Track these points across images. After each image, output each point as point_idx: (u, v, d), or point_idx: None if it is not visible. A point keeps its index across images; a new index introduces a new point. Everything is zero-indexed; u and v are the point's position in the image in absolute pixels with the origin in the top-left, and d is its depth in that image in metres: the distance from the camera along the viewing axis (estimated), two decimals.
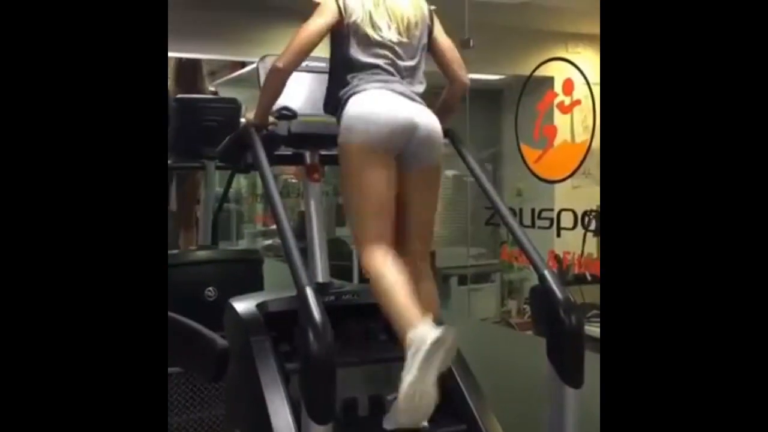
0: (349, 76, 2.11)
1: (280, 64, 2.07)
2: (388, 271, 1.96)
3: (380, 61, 2.11)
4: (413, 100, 2.12)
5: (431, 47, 2.23)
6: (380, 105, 2.05)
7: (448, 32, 2.28)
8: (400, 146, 2.06)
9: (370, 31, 2.09)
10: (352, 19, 2.09)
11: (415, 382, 1.76)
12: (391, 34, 2.11)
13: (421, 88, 2.18)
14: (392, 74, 2.12)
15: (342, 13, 2.09)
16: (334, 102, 2.13)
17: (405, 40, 2.14)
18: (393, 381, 2.25)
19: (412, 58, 2.17)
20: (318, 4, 2.12)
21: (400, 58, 2.14)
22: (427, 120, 2.11)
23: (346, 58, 2.11)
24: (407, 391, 1.77)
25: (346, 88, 2.10)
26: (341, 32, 2.11)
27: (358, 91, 2.07)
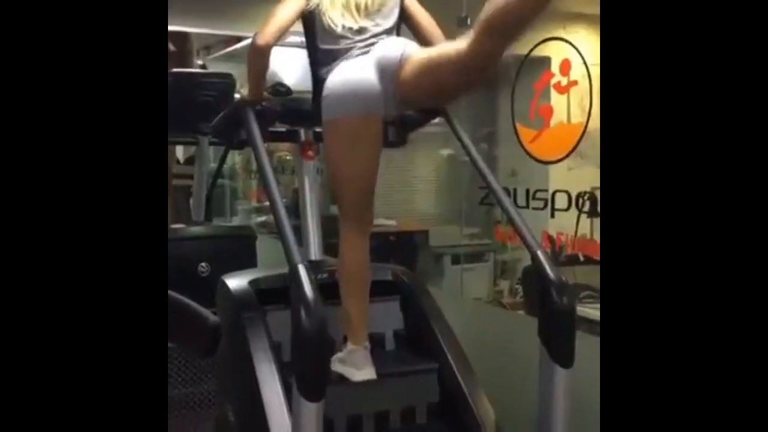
0: (320, 63, 2.10)
1: (261, 42, 2.05)
2: (351, 274, 2.12)
3: (345, 46, 2.08)
4: (373, 41, 2.08)
5: (406, 20, 2.19)
6: (349, 71, 2.03)
7: (445, 9, 2.25)
8: (375, 96, 2.02)
9: (326, 21, 2.09)
10: (310, 6, 2.08)
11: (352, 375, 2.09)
12: (347, 21, 2.09)
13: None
14: (360, 51, 2.08)
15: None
16: (314, 85, 2.14)
17: (366, 24, 2.10)
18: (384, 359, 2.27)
19: (380, 27, 2.12)
20: None
21: (364, 32, 2.10)
22: (385, 50, 2.05)
23: (314, 48, 2.12)
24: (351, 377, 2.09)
25: (320, 72, 2.10)
26: (307, 19, 2.11)
27: (330, 71, 2.06)
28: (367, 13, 2.11)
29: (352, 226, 2.13)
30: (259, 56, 2.08)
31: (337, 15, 2.08)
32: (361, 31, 2.10)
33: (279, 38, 2.07)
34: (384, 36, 2.12)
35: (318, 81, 2.11)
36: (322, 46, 2.10)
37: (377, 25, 2.12)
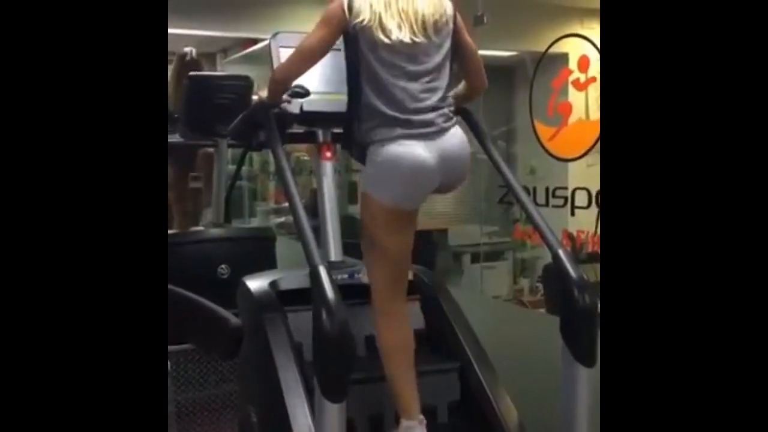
0: (363, 103, 1.98)
1: (277, 76, 2.04)
2: (394, 350, 2.04)
3: (393, 77, 1.95)
4: (435, 128, 1.98)
5: (456, 51, 2.08)
6: (403, 162, 1.94)
7: (462, 8, 2.24)
8: (428, 191, 2.03)
9: (379, 35, 1.94)
10: (359, 20, 1.93)
11: None
12: (402, 35, 1.94)
13: (441, 91, 2.02)
14: (409, 95, 1.96)
15: (347, 15, 1.95)
16: (353, 135, 2.05)
17: (420, 40, 1.96)
18: None
19: (431, 57, 2.00)
20: None
21: (415, 61, 1.98)
22: (452, 149, 2.00)
23: (358, 66, 1.99)
24: None
25: (365, 133, 1.99)
26: (349, 34, 1.98)
27: (378, 141, 1.96)
28: (425, 28, 1.97)
29: (390, 294, 2.06)
30: (276, 89, 2.09)
31: (393, 25, 1.94)
32: (414, 58, 1.97)
33: (300, 74, 2.04)
34: (436, 73, 2.00)
35: (359, 106, 2.00)
36: (368, 64, 1.96)
37: (429, 53, 1.99)
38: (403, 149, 1.94)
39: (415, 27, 1.97)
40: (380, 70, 1.96)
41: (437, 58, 2.02)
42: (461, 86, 2.23)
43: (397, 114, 1.95)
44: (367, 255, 2.09)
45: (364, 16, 1.94)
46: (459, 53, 2.11)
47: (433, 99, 2.00)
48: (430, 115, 1.98)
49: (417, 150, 1.95)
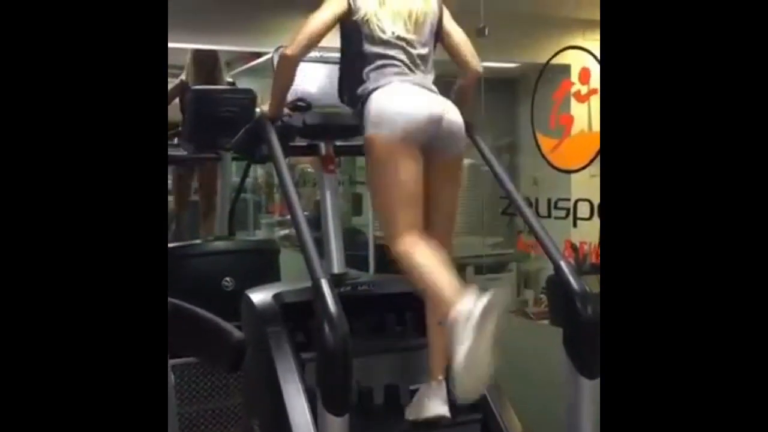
0: (365, 71, 2.11)
1: (289, 52, 2.08)
2: (419, 251, 2.00)
3: (393, 52, 2.11)
4: (431, 91, 2.13)
5: (441, 37, 2.22)
6: (406, 98, 2.06)
7: (463, 20, 2.26)
8: (427, 137, 2.06)
9: (375, 29, 2.10)
10: (360, 15, 2.09)
11: (470, 352, 1.74)
12: (397, 29, 2.11)
13: (432, 77, 2.19)
14: (407, 65, 2.12)
15: (351, 6, 2.09)
16: (353, 97, 2.14)
17: (412, 36, 2.13)
18: (408, 370, 2.27)
19: (423, 47, 2.17)
20: None
21: (411, 46, 2.13)
22: (450, 111, 2.11)
23: (358, 52, 2.11)
24: (463, 362, 1.74)
25: (366, 84, 2.10)
26: (351, 27, 2.12)
27: (381, 85, 2.07)
28: (416, 25, 2.14)
29: (406, 230, 2.03)
30: (287, 67, 2.11)
31: (387, 21, 2.10)
32: (409, 42, 2.13)
33: (310, 49, 2.10)
34: (429, 60, 2.17)
35: (355, 90, 2.12)
36: (369, 48, 2.11)
37: (421, 43, 2.15)
38: (401, 86, 2.08)
39: (407, 24, 2.13)
40: (382, 50, 2.11)
41: (427, 48, 2.18)
42: (457, 83, 2.29)
43: (395, 72, 2.09)
44: (377, 198, 2.13)
45: (364, 11, 2.10)
46: (444, 37, 2.22)
47: (427, 78, 2.16)
48: (425, 83, 2.13)
49: (413, 87, 2.09)
